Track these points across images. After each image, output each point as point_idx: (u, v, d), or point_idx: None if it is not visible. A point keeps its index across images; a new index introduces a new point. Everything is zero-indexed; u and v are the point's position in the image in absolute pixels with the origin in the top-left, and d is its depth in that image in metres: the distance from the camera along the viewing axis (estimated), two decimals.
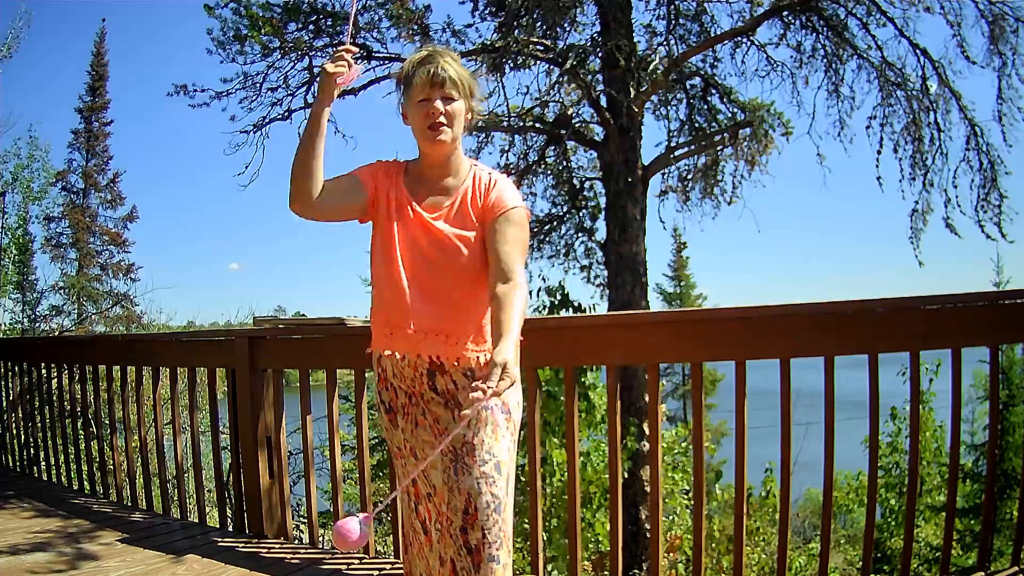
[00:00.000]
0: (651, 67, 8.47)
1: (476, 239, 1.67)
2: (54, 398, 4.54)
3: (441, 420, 1.67)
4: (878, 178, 8.52)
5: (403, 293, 1.66)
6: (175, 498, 4.47)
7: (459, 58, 1.72)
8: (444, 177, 1.73)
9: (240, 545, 3.15)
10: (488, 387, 1.34)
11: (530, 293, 8.59)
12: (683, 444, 7.83)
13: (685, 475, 7.54)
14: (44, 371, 4.69)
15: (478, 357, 1.68)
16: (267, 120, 8.48)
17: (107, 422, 4.01)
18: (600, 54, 8.56)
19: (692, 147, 9.62)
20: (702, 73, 9.38)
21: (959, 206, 8.51)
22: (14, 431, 5.03)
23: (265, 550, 3.08)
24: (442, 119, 1.64)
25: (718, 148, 9.65)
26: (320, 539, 3.41)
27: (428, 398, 1.69)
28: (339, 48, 1.64)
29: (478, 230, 1.68)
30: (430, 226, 1.67)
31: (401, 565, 2.80)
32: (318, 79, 1.65)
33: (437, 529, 1.66)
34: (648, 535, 5.83)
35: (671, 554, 6.75)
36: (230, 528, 3.56)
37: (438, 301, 1.66)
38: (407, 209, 1.70)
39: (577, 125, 9.28)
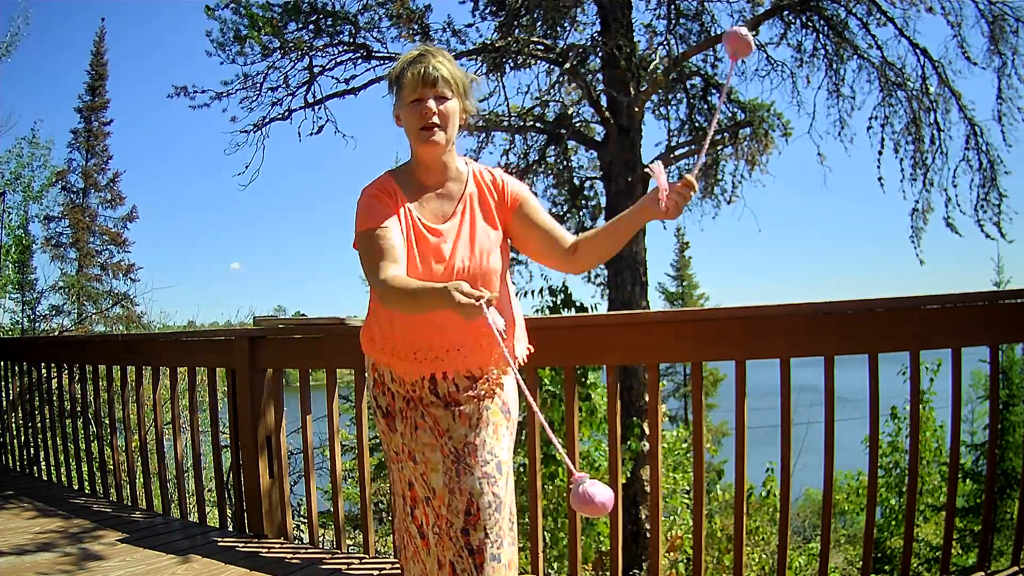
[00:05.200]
0: (651, 67, 8.47)
1: (498, 238, 1.68)
2: (54, 398, 4.54)
3: (441, 421, 1.67)
4: (879, 178, 8.53)
5: (418, 317, 1.61)
6: (175, 498, 4.47)
7: (452, 58, 1.68)
8: (444, 181, 1.68)
9: (240, 545, 3.15)
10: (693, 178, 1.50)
11: (531, 293, 8.63)
12: (684, 445, 7.83)
13: (686, 475, 7.53)
14: (44, 371, 4.69)
15: (480, 359, 1.66)
16: (267, 120, 8.48)
17: (107, 422, 4.01)
18: (600, 54, 8.56)
19: (692, 147, 9.62)
20: (702, 73, 9.38)
21: (959, 205, 8.53)
22: (14, 431, 5.04)
23: (265, 550, 3.08)
24: (435, 120, 1.59)
25: (718, 148, 9.65)
26: (320, 539, 3.41)
27: (428, 401, 1.67)
28: (478, 299, 1.32)
29: (500, 229, 1.69)
30: (439, 238, 1.62)
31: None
32: (450, 302, 1.33)
33: (435, 533, 1.65)
34: (648, 535, 5.82)
35: (671, 554, 6.74)
36: (230, 528, 3.57)
37: (451, 316, 1.59)
38: (421, 230, 1.63)
39: (577, 125, 9.29)
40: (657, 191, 1.51)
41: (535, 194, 1.79)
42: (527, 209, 1.71)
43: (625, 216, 1.61)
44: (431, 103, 1.59)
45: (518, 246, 1.76)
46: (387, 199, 1.63)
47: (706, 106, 9.54)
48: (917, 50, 8.21)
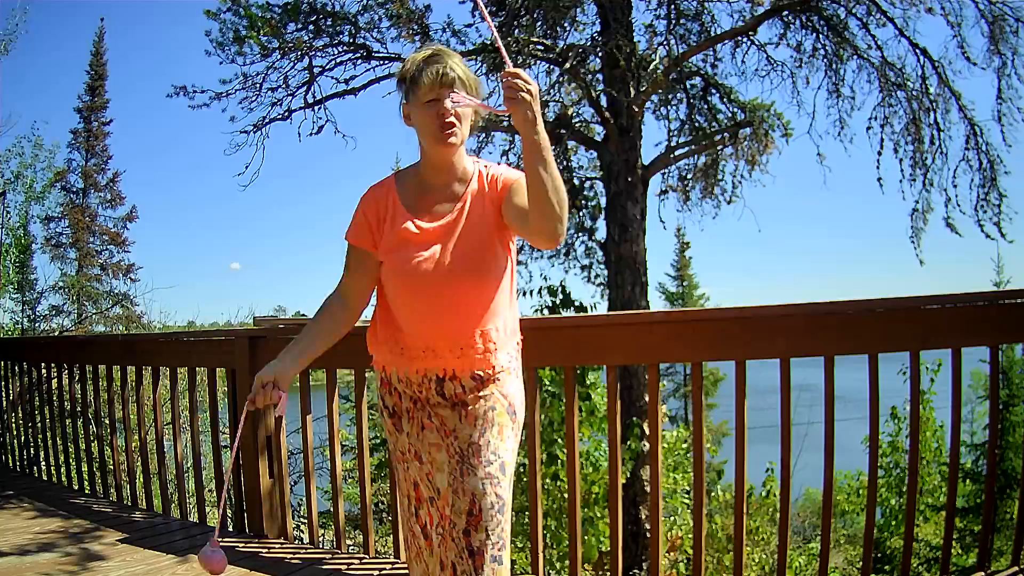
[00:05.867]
0: (651, 67, 8.47)
1: (492, 238, 1.66)
2: (54, 398, 4.54)
3: (447, 422, 1.66)
4: (879, 179, 8.54)
5: (416, 317, 1.64)
6: (175, 498, 4.47)
7: (462, 58, 1.69)
8: (451, 182, 1.68)
9: (240, 545, 3.15)
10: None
11: (530, 292, 8.63)
12: (684, 445, 7.83)
13: (686, 475, 7.54)
14: (44, 371, 4.69)
15: (487, 361, 1.66)
16: (267, 120, 8.50)
17: (107, 422, 4.01)
18: (600, 54, 8.56)
19: (692, 147, 9.62)
20: (702, 73, 9.38)
21: (959, 206, 8.53)
22: (14, 431, 5.03)
23: (265, 550, 3.08)
24: (452, 120, 1.60)
25: (718, 148, 9.65)
26: (320, 539, 3.42)
27: (434, 402, 1.67)
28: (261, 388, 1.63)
29: (497, 226, 1.66)
30: (435, 237, 1.64)
31: (401, 565, 2.81)
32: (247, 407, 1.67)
33: (439, 533, 1.64)
34: (648, 535, 5.83)
35: (671, 554, 6.74)
36: (230, 528, 3.57)
37: (449, 316, 1.62)
38: (411, 232, 1.65)
39: (577, 125, 9.29)
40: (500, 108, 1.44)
41: None
42: (512, 191, 1.65)
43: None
44: (448, 103, 1.59)
45: (512, 229, 1.68)
46: (372, 209, 1.71)
47: (706, 106, 9.54)
48: (917, 50, 8.21)
